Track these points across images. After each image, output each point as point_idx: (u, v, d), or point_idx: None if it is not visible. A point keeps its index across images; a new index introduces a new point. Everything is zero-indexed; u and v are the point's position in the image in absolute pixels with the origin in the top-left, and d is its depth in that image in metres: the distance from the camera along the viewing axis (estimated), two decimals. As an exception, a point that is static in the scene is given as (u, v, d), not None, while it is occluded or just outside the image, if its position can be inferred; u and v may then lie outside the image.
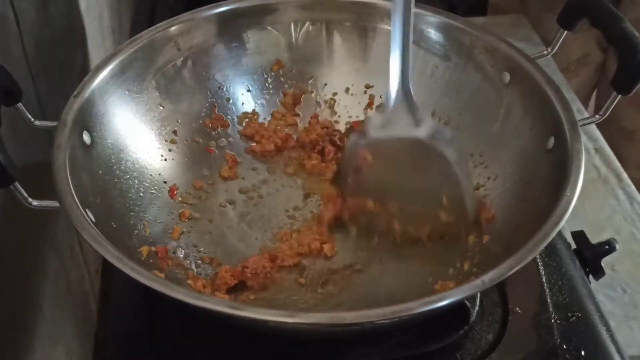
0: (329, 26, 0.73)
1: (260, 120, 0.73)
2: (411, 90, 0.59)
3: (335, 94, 0.74)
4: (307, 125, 0.73)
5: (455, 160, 0.58)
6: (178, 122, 0.69)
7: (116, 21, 1.10)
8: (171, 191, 0.65)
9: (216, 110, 0.71)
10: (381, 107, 0.61)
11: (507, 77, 0.65)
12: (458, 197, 0.59)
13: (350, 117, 0.73)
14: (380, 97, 0.73)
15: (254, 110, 0.73)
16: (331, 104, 0.74)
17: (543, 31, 1.15)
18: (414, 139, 0.58)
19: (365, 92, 0.74)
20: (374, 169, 0.60)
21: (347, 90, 0.74)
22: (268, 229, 0.65)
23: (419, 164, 0.59)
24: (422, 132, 0.58)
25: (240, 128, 0.72)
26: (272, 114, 0.73)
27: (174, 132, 0.68)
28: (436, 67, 0.70)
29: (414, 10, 0.57)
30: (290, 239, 0.63)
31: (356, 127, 0.71)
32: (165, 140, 0.67)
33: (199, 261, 0.61)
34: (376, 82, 0.73)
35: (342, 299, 0.59)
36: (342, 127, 0.73)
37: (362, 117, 0.73)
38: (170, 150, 0.67)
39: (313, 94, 0.74)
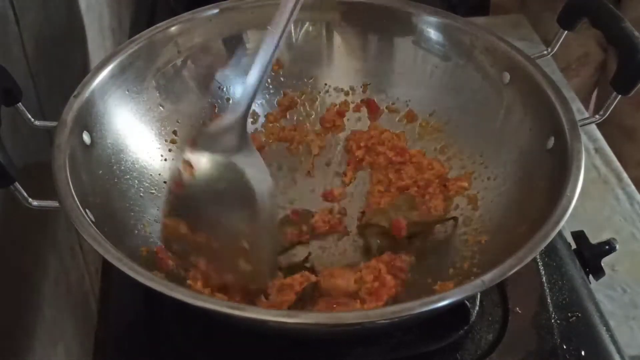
0: (329, 26, 0.73)
1: (261, 120, 0.73)
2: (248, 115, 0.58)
3: (336, 94, 0.74)
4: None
5: (262, 196, 0.55)
6: (178, 122, 0.69)
7: (116, 21, 1.10)
8: None
9: (216, 111, 0.71)
10: (219, 121, 0.59)
11: (507, 77, 0.65)
12: (258, 243, 0.55)
13: (348, 119, 0.74)
14: (377, 95, 0.73)
15: (253, 110, 0.73)
16: (331, 104, 0.74)
17: (543, 31, 1.15)
18: (229, 162, 0.55)
19: (364, 91, 0.73)
20: (193, 187, 0.56)
21: (347, 89, 0.74)
22: None
23: (231, 192, 0.56)
24: (239, 157, 0.55)
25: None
26: (265, 116, 0.73)
27: (174, 132, 0.68)
28: (436, 67, 0.70)
29: (283, 38, 0.56)
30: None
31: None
32: (165, 141, 0.67)
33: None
34: (375, 81, 0.73)
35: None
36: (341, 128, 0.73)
37: (361, 117, 0.73)
38: (170, 150, 0.67)
39: (313, 94, 0.74)
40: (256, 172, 0.55)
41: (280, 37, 0.56)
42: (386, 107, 0.72)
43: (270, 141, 0.72)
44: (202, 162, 0.56)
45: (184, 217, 0.57)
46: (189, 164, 0.56)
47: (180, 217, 0.57)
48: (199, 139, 0.58)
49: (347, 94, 0.74)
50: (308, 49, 0.74)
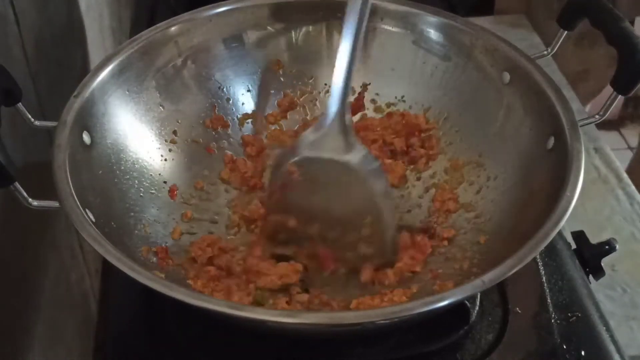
0: (329, 26, 0.73)
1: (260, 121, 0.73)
2: (348, 113, 0.58)
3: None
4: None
5: (381, 191, 0.56)
6: (178, 122, 0.69)
7: (116, 21, 1.10)
8: (171, 191, 0.65)
9: (216, 111, 0.71)
10: (316, 125, 0.59)
11: (507, 77, 0.65)
12: (379, 231, 0.57)
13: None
14: (377, 94, 0.73)
15: (254, 110, 0.73)
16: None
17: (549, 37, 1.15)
18: (342, 163, 0.56)
19: (363, 91, 0.73)
20: (300, 187, 0.58)
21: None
22: None
23: (344, 189, 0.57)
24: (352, 157, 0.56)
25: (241, 130, 0.72)
26: (265, 117, 0.73)
27: (174, 132, 0.68)
28: (436, 67, 0.70)
29: (363, 31, 0.56)
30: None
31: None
32: (165, 141, 0.67)
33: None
34: (375, 81, 0.73)
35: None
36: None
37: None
38: (170, 150, 0.67)
39: (313, 94, 0.74)
40: (368, 167, 0.56)
41: (359, 32, 0.56)
42: (385, 106, 0.72)
43: (272, 144, 0.72)
44: (310, 165, 0.57)
45: (293, 213, 0.58)
46: (293, 169, 0.57)
47: (288, 213, 0.58)
48: (300, 145, 0.58)
49: None
50: (308, 49, 0.74)
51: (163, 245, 0.60)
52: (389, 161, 0.67)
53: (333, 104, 0.58)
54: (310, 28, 0.73)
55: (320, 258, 0.58)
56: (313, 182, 0.58)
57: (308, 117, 0.73)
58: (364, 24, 0.56)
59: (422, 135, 0.69)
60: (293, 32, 0.73)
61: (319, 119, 0.59)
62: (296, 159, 0.58)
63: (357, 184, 0.56)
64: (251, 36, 0.72)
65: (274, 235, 0.60)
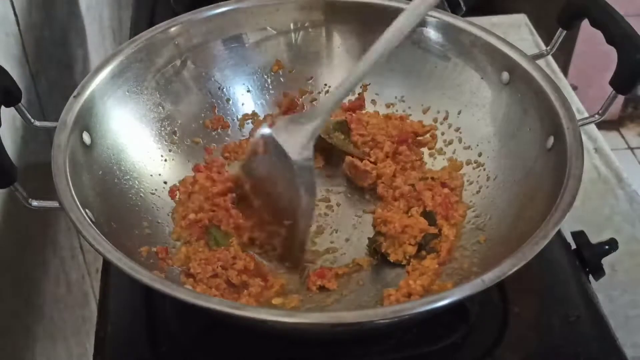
0: (329, 26, 0.73)
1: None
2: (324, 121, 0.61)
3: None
4: None
5: (304, 204, 0.59)
6: (178, 122, 0.69)
7: (116, 21, 1.10)
8: (171, 191, 0.65)
9: (216, 111, 0.71)
10: (303, 114, 0.63)
11: (506, 76, 0.65)
12: (291, 236, 0.60)
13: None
14: (377, 94, 0.73)
15: (253, 111, 0.73)
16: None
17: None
18: (291, 161, 0.59)
19: (363, 91, 0.73)
20: (261, 161, 0.62)
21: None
22: None
23: (283, 183, 0.60)
24: (298, 159, 0.59)
25: (241, 131, 0.72)
26: (264, 118, 0.73)
27: (174, 133, 0.68)
28: (435, 66, 0.70)
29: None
30: None
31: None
32: (165, 141, 0.67)
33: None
34: (375, 81, 0.73)
35: (341, 298, 0.59)
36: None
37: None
38: (170, 150, 0.67)
39: (313, 94, 0.74)
40: (305, 182, 0.59)
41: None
42: (385, 106, 0.72)
43: None
44: (273, 147, 0.60)
45: (250, 178, 0.63)
46: (264, 143, 0.61)
47: (247, 176, 0.63)
48: (278, 121, 0.62)
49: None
50: (308, 49, 0.74)
51: (163, 245, 0.60)
52: (370, 165, 0.67)
53: (324, 106, 0.60)
54: (310, 28, 0.73)
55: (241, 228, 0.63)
56: (270, 160, 0.61)
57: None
58: (392, 47, 0.58)
59: (420, 137, 0.70)
60: (293, 33, 0.73)
61: (309, 109, 0.62)
62: (266, 135, 0.61)
63: (291, 186, 0.59)
64: (251, 37, 0.72)
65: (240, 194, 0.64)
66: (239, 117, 0.72)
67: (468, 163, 0.67)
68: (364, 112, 0.73)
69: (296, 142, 0.59)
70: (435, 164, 0.69)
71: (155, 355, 0.56)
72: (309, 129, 0.59)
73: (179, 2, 0.94)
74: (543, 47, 0.68)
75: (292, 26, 0.73)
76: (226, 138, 0.71)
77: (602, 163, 0.95)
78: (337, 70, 0.74)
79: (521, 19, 1.21)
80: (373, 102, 0.73)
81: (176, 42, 0.69)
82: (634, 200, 0.89)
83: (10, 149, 0.52)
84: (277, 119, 0.68)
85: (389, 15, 0.70)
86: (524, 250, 0.48)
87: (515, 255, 0.48)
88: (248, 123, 0.72)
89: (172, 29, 0.68)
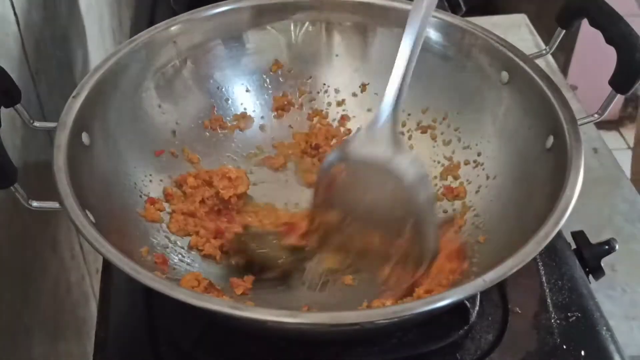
0: (329, 26, 0.73)
1: (258, 121, 0.73)
2: (399, 117, 0.59)
3: (334, 94, 0.74)
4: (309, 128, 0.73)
5: (423, 199, 0.57)
6: (177, 123, 0.69)
7: (116, 21, 1.10)
8: (167, 194, 0.65)
9: (215, 111, 0.71)
10: (368, 126, 0.60)
11: (505, 76, 0.65)
12: (418, 235, 0.58)
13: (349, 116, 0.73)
14: (376, 94, 0.73)
15: (253, 111, 0.73)
16: (329, 104, 0.74)
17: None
18: (388, 168, 0.57)
19: (362, 91, 0.73)
20: (346, 185, 0.59)
21: (346, 90, 0.74)
22: None
23: (388, 194, 0.58)
24: (397, 162, 0.57)
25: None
26: (262, 117, 0.73)
27: (173, 133, 0.68)
28: (435, 66, 0.70)
29: (424, 34, 0.57)
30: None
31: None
32: (165, 141, 0.67)
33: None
34: (374, 82, 0.73)
35: (341, 298, 0.59)
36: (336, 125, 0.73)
37: (359, 116, 0.73)
38: (170, 151, 0.67)
39: (312, 94, 0.74)
40: (415, 176, 0.57)
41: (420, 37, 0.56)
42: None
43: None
44: (358, 166, 0.58)
45: (337, 208, 0.60)
46: (342, 168, 0.59)
47: (332, 208, 0.60)
48: (350, 145, 0.59)
49: (339, 103, 0.74)
50: (307, 49, 0.74)
51: (163, 245, 0.60)
52: None
53: (386, 106, 0.58)
54: (310, 28, 0.73)
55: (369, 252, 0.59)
56: (359, 183, 0.59)
57: (306, 117, 0.74)
58: (424, 31, 0.57)
59: None
60: (292, 32, 0.73)
61: (371, 122, 0.59)
62: (344, 159, 0.59)
63: (400, 190, 0.57)
64: (250, 36, 0.72)
65: (316, 230, 0.61)
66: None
67: (467, 163, 0.67)
68: None
69: (385, 151, 0.56)
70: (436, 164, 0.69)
71: (155, 355, 0.56)
72: (385, 131, 0.57)
73: (179, 2, 0.94)
74: (543, 47, 0.68)
75: (291, 26, 0.73)
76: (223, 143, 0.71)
77: (602, 163, 0.95)
78: (337, 70, 0.74)
79: (521, 19, 1.21)
80: (369, 110, 0.73)
81: (175, 42, 0.69)
82: (634, 200, 0.89)
83: (10, 149, 0.51)
84: (342, 143, 0.64)
85: (389, 15, 0.71)
86: (525, 250, 0.48)
87: (516, 255, 0.48)
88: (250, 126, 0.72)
89: (172, 29, 0.68)
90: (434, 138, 0.70)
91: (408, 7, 0.69)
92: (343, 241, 0.60)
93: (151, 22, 0.92)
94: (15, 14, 0.63)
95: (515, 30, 1.16)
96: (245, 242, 0.61)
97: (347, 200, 0.60)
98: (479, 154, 0.67)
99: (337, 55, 0.74)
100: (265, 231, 0.62)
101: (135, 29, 0.94)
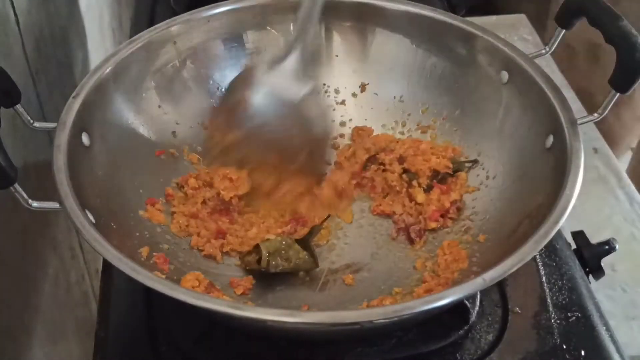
0: (328, 26, 0.73)
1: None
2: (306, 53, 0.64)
3: (334, 94, 0.74)
4: None
5: (320, 132, 0.64)
6: (177, 123, 0.69)
7: (116, 21, 1.10)
8: (167, 194, 0.65)
9: (215, 111, 0.71)
10: (275, 58, 0.65)
11: (505, 76, 0.65)
12: (315, 154, 0.65)
13: (348, 118, 0.73)
14: (375, 94, 0.73)
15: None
16: (329, 104, 0.74)
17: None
18: (287, 99, 0.63)
19: (362, 91, 0.73)
20: (249, 110, 0.64)
21: (346, 90, 0.74)
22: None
23: (289, 121, 0.63)
24: (295, 92, 0.63)
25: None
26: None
27: (173, 133, 0.68)
28: (435, 66, 0.70)
29: None
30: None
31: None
32: (165, 141, 0.67)
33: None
34: (374, 82, 0.73)
35: (341, 298, 0.59)
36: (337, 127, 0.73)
37: (359, 116, 0.73)
38: (170, 151, 0.67)
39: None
40: (315, 110, 0.64)
41: None
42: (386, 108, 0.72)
43: None
44: (262, 95, 0.64)
45: (237, 128, 0.65)
46: (248, 94, 0.64)
47: (231, 128, 0.65)
48: (258, 72, 0.65)
49: (340, 104, 0.74)
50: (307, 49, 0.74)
51: (163, 244, 0.60)
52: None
53: (292, 40, 0.64)
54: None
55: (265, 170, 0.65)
56: (262, 110, 0.64)
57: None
58: None
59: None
60: (292, 33, 0.73)
61: (278, 55, 0.64)
62: (252, 85, 0.64)
63: (299, 120, 0.63)
64: (250, 37, 0.72)
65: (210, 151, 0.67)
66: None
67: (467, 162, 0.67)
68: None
69: (288, 83, 0.62)
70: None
71: (155, 355, 0.56)
72: (293, 60, 0.62)
73: (179, 2, 0.94)
74: (543, 47, 0.67)
75: (291, 26, 0.73)
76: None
77: (602, 163, 0.95)
78: (336, 70, 0.74)
79: (521, 19, 1.21)
80: (372, 109, 0.73)
81: (175, 42, 0.69)
82: (634, 200, 0.89)
83: (10, 149, 0.51)
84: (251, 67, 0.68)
85: (388, 15, 0.71)
86: (525, 249, 0.48)
87: (515, 254, 0.48)
88: None
89: (172, 29, 0.68)
90: (433, 138, 0.70)
91: (407, 7, 0.70)
92: (240, 159, 0.65)
93: (151, 22, 0.92)
94: (15, 13, 0.63)
95: (515, 30, 1.16)
96: (267, 265, 0.59)
97: (249, 124, 0.64)
98: (478, 154, 0.67)
99: (336, 56, 0.74)
100: (277, 242, 0.61)
101: (135, 29, 0.94)
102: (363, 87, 0.73)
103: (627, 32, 0.55)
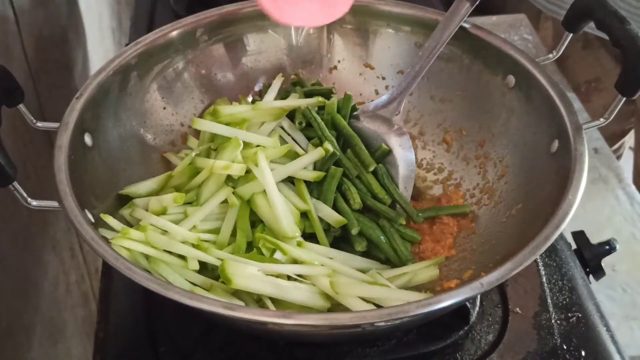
0: (330, 28, 0.73)
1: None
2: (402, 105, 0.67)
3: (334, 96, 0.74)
4: None
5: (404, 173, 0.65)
6: (181, 124, 0.69)
7: (116, 21, 1.10)
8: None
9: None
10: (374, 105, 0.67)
11: (512, 80, 0.64)
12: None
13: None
14: (377, 94, 0.73)
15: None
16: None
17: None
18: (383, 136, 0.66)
19: (361, 93, 0.73)
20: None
21: (347, 91, 0.74)
22: None
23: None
24: (391, 138, 0.66)
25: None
26: None
27: (176, 134, 0.68)
28: (441, 70, 0.69)
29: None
30: None
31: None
32: (166, 143, 0.67)
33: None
34: (375, 83, 0.73)
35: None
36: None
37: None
38: (171, 152, 0.67)
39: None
40: (402, 151, 0.65)
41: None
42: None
43: None
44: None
45: None
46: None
47: None
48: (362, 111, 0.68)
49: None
50: (308, 50, 0.74)
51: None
52: None
53: (392, 92, 0.67)
54: (311, 31, 0.73)
55: None
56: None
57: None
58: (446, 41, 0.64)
59: None
60: (294, 35, 0.73)
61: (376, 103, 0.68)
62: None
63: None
64: (251, 39, 0.72)
65: None
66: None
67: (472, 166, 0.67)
68: None
69: (383, 123, 0.66)
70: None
71: (155, 355, 0.56)
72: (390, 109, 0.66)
73: (179, 2, 0.94)
74: (543, 47, 0.67)
75: (293, 28, 0.73)
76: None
77: (602, 163, 0.95)
78: (337, 71, 0.74)
79: (521, 19, 1.20)
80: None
81: (178, 45, 0.68)
82: (634, 200, 0.89)
83: (10, 149, 0.51)
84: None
85: (393, 17, 0.70)
86: (524, 253, 0.48)
87: (515, 258, 0.48)
88: None
89: (174, 33, 0.68)
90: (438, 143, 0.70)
91: (407, 9, 0.70)
92: None
93: (151, 22, 0.92)
94: (15, 13, 0.63)
95: (516, 30, 1.15)
96: None
97: None
98: (484, 157, 0.66)
99: (338, 58, 0.74)
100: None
101: (135, 29, 0.94)
102: (365, 88, 0.73)
103: (634, 36, 0.55)
